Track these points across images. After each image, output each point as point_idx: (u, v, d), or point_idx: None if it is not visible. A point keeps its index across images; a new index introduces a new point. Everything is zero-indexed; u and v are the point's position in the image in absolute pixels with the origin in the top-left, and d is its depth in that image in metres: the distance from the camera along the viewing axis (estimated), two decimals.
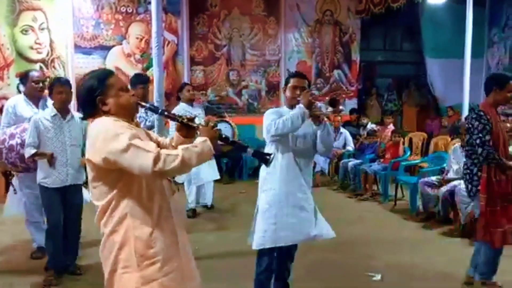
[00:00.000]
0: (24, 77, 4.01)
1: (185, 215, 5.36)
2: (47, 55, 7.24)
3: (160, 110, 2.04)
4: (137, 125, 1.98)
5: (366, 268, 3.82)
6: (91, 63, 7.47)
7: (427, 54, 9.09)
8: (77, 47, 7.40)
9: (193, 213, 5.45)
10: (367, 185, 6.53)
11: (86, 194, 3.60)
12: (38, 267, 3.77)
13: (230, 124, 5.53)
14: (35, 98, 3.95)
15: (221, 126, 5.42)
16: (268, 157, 1.98)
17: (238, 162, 7.81)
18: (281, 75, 8.64)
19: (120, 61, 7.66)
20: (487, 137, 3.13)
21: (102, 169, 1.80)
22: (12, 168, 3.82)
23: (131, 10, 7.66)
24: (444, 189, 4.88)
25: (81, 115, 1.98)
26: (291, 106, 2.85)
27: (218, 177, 5.61)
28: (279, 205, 2.81)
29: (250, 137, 7.90)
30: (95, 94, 1.85)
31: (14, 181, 4.08)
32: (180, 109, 5.22)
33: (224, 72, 8.38)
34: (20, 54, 7.11)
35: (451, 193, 4.77)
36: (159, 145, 2.04)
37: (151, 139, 2.03)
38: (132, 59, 7.73)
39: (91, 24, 7.47)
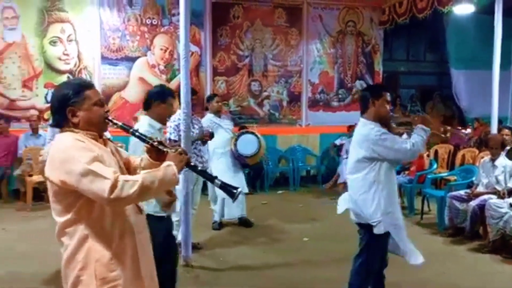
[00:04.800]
0: None
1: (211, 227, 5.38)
2: (75, 66, 7.41)
3: (131, 130, 1.95)
4: (105, 142, 1.89)
5: (395, 285, 3.74)
6: (117, 73, 7.62)
7: (452, 65, 8.97)
8: (104, 58, 7.54)
9: (219, 226, 5.42)
10: None
11: None
12: None
13: (256, 135, 5.39)
14: None
15: (246, 138, 5.35)
16: (235, 191, 1.87)
17: (260, 173, 7.75)
18: (303, 85, 8.63)
19: (144, 72, 7.77)
20: None
21: (60, 188, 1.74)
22: None
23: (156, 22, 7.78)
24: (473, 203, 4.77)
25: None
26: (382, 121, 2.81)
27: (246, 190, 5.46)
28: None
29: (271, 148, 7.91)
30: (67, 104, 1.78)
31: None
32: (207, 120, 5.23)
33: (246, 82, 8.40)
34: (49, 65, 7.30)
35: (481, 207, 4.66)
36: (129, 165, 2.00)
37: (121, 158, 1.96)
38: (156, 70, 7.84)
39: (117, 36, 7.61)
